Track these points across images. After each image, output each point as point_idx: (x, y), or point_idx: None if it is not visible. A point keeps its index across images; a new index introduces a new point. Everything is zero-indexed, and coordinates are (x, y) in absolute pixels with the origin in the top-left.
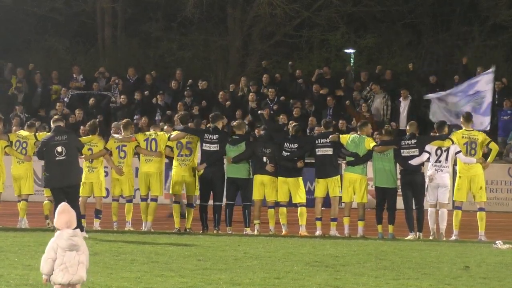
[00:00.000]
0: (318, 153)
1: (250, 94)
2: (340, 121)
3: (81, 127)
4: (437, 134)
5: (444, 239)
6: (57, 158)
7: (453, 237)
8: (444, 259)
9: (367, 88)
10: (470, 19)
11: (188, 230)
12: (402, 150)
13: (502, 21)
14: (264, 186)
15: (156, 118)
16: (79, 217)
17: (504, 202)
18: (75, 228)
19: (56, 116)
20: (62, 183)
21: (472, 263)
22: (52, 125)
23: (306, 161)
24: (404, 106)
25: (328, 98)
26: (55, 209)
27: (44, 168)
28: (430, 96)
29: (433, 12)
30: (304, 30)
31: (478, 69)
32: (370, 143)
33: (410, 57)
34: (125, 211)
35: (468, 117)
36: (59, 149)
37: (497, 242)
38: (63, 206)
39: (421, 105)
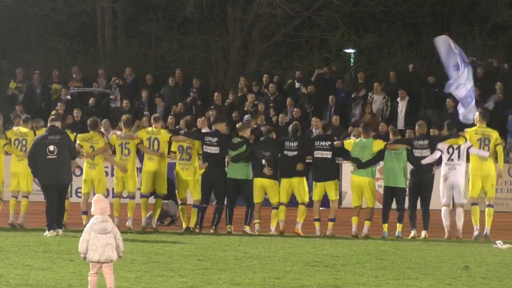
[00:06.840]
0: (316, 156)
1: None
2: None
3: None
4: (448, 133)
5: (461, 237)
6: (48, 157)
7: (476, 233)
8: (444, 259)
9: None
10: (470, 19)
11: (191, 229)
12: (414, 151)
13: (502, 21)
14: (265, 190)
15: None
16: (62, 215)
17: (504, 202)
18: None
19: (52, 116)
20: (53, 181)
21: (472, 263)
22: (48, 124)
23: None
24: (402, 106)
25: (330, 97)
26: (47, 207)
27: (33, 166)
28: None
29: (433, 12)
30: (304, 30)
31: (478, 70)
32: (381, 144)
33: (410, 57)
34: (127, 208)
35: (485, 114)
36: (51, 148)
37: (497, 242)
38: (98, 196)
39: (421, 105)
